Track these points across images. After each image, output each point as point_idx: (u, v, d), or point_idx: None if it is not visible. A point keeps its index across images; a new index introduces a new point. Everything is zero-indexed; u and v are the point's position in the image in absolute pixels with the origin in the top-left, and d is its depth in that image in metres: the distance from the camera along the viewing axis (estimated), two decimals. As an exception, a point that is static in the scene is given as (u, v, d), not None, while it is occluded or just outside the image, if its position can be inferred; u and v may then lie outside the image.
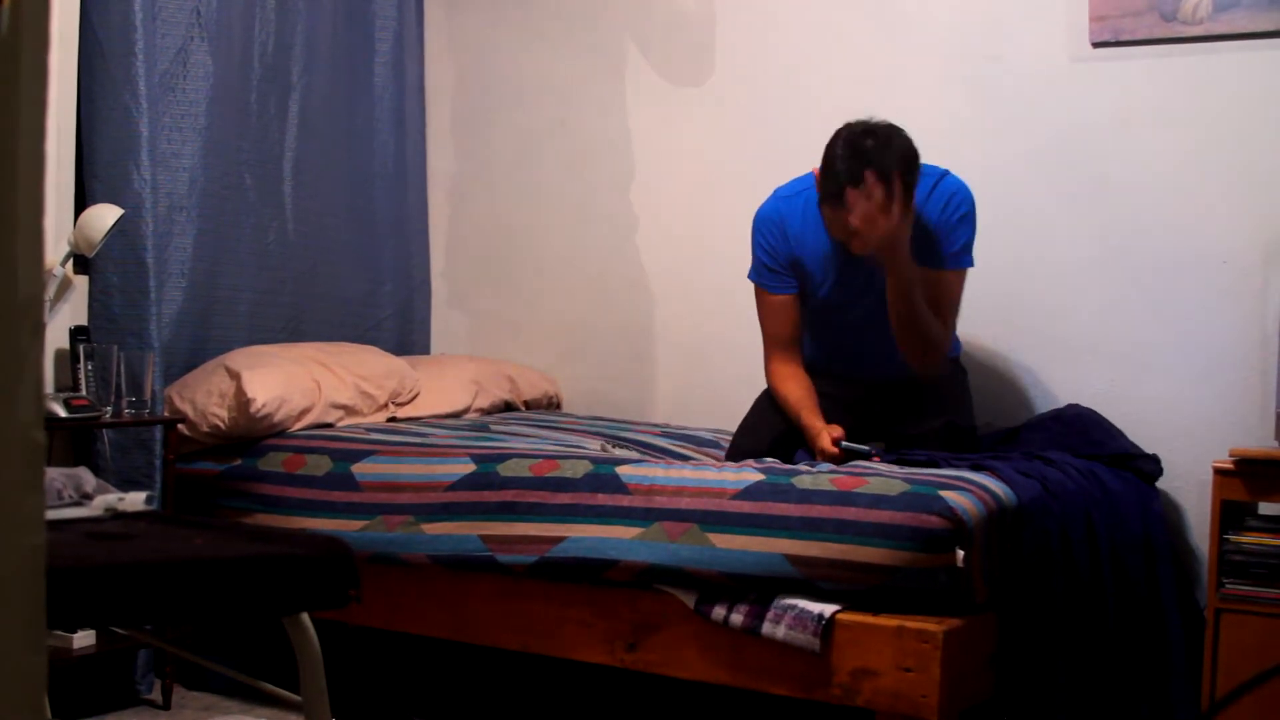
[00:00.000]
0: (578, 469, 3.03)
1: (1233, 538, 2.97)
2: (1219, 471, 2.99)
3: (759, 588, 2.69)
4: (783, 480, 2.80)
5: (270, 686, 2.40)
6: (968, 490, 2.69)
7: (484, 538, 3.02)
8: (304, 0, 4.21)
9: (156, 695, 3.43)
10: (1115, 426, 3.43)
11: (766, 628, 2.65)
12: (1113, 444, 3.35)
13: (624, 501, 2.88)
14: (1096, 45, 3.61)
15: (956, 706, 2.58)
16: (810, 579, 2.64)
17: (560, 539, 2.91)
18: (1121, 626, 3.00)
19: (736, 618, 2.69)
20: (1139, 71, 3.58)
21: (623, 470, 2.97)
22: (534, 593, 2.98)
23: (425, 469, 3.23)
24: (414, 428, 3.77)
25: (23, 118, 0.78)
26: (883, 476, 2.75)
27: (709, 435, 3.85)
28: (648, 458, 3.27)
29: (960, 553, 2.56)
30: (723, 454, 3.55)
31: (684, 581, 2.78)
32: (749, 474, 2.87)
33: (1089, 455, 3.24)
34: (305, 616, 1.98)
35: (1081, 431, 3.36)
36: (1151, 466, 3.35)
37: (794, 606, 2.64)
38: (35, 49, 0.79)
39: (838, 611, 2.61)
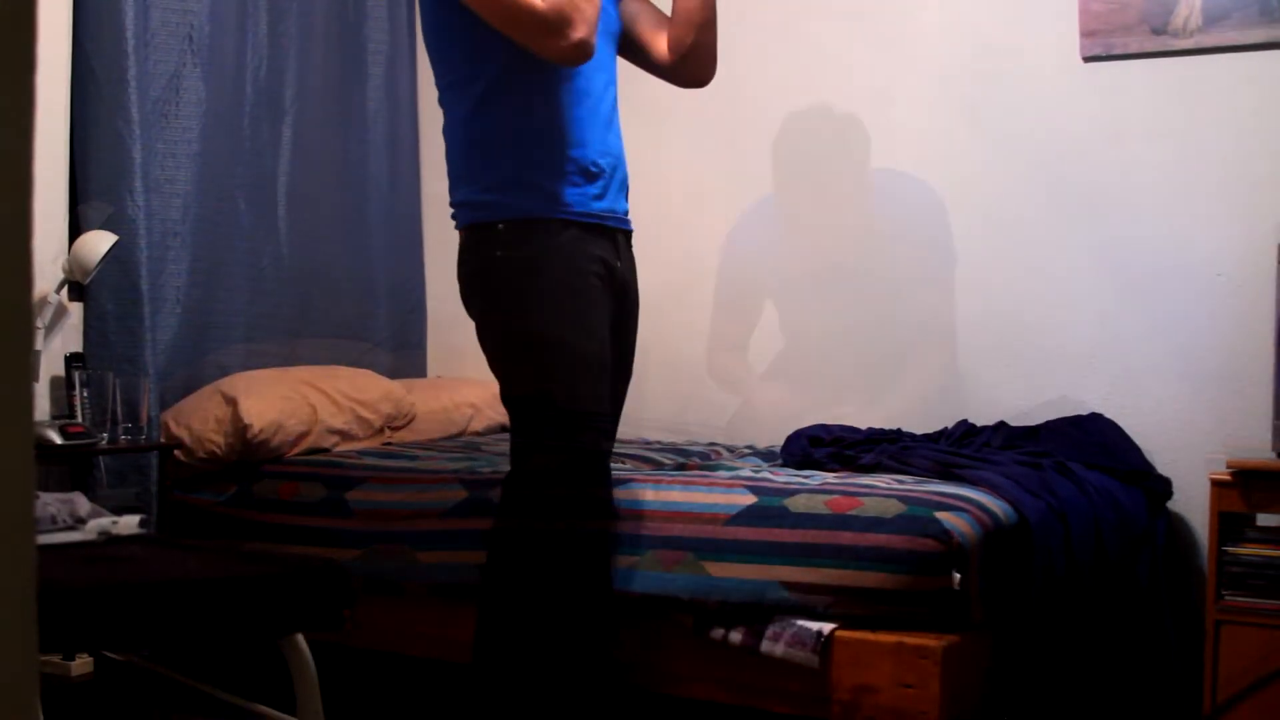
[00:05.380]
0: None
1: (1231, 549, 2.96)
2: (1216, 483, 2.99)
3: (756, 612, 2.69)
4: (775, 502, 2.79)
5: (268, 710, 2.39)
6: (964, 511, 2.68)
7: (480, 567, 3.01)
8: (296, 25, 4.21)
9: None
10: (1134, 442, 3.43)
11: (765, 645, 2.64)
12: (1131, 460, 3.35)
13: (614, 528, 2.86)
14: (1088, 59, 3.63)
15: None
16: (807, 605, 2.64)
17: None
18: (1124, 640, 2.99)
19: (735, 636, 2.68)
20: (1131, 84, 3.59)
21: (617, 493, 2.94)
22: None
23: (419, 496, 3.22)
24: (407, 450, 3.76)
25: (6, 138, 0.78)
26: (878, 497, 2.74)
27: (699, 449, 3.83)
28: (636, 475, 3.23)
29: (957, 576, 2.56)
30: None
31: (681, 607, 2.77)
32: (740, 496, 2.85)
33: (1105, 468, 3.24)
34: (300, 638, 1.98)
35: (1101, 443, 3.36)
36: (1163, 487, 3.36)
37: (792, 624, 2.64)
38: (18, 70, 0.79)
39: (836, 628, 2.60)
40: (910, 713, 2.52)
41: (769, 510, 2.77)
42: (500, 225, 2.46)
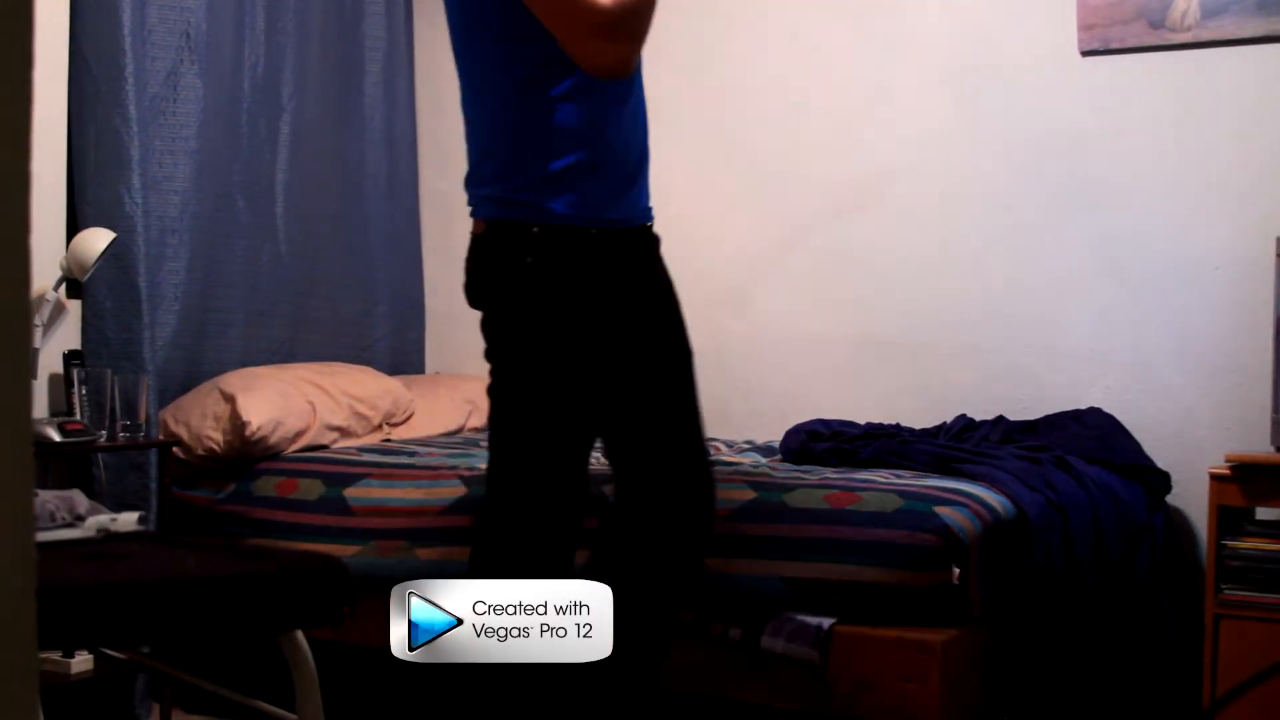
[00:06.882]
0: None
1: (1230, 543, 2.97)
2: (1216, 477, 2.99)
3: (756, 607, 2.69)
4: (774, 497, 2.79)
5: (267, 706, 2.39)
6: (963, 505, 2.68)
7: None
8: (293, 21, 4.21)
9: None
10: (1132, 436, 3.43)
11: (766, 640, 2.64)
12: (1130, 454, 3.35)
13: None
14: (1086, 54, 3.62)
15: (956, 717, 2.57)
16: (806, 599, 2.64)
17: None
18: (1123, 635, 2.99)
19: (735, 631, 2.69)
20: (1129, 79, 3.59)
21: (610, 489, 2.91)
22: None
23: (417, 493, 3.22)
24: (406, 447, 3.76)
25: (4, 136, 0.78)
26: (877, 492, 2.74)
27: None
28: None
29: (956, 570, 2.56)
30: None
31: (681, 606, 2.76)
32: (739, 491, 2.85)
33: (1104, 461, 3.24)
34: (300, 634, 1.98)
35: (1100, 437, 3.36)
36: (1162, 482, 3.36)
37: (792, 619, 2.64)
38: (16, 67, 0.79)
39: (836, 623, 2.61)
40: (910, 708, 2.52)
41: (768, 505, 2.77)
42: (535, 229, 2.24)
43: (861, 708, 2.58)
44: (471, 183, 2.34)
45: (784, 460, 3.41)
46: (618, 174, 2.32)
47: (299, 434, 3.65)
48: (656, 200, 4.27)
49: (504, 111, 2.26)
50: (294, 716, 2.04)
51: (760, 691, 2.70)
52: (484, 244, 2.33)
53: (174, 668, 3.19)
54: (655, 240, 2.47)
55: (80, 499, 2.49)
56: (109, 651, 2.90)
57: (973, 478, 2.93)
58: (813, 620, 2.62)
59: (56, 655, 3.12)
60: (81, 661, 3.18)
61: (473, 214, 2.36)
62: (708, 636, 2.72)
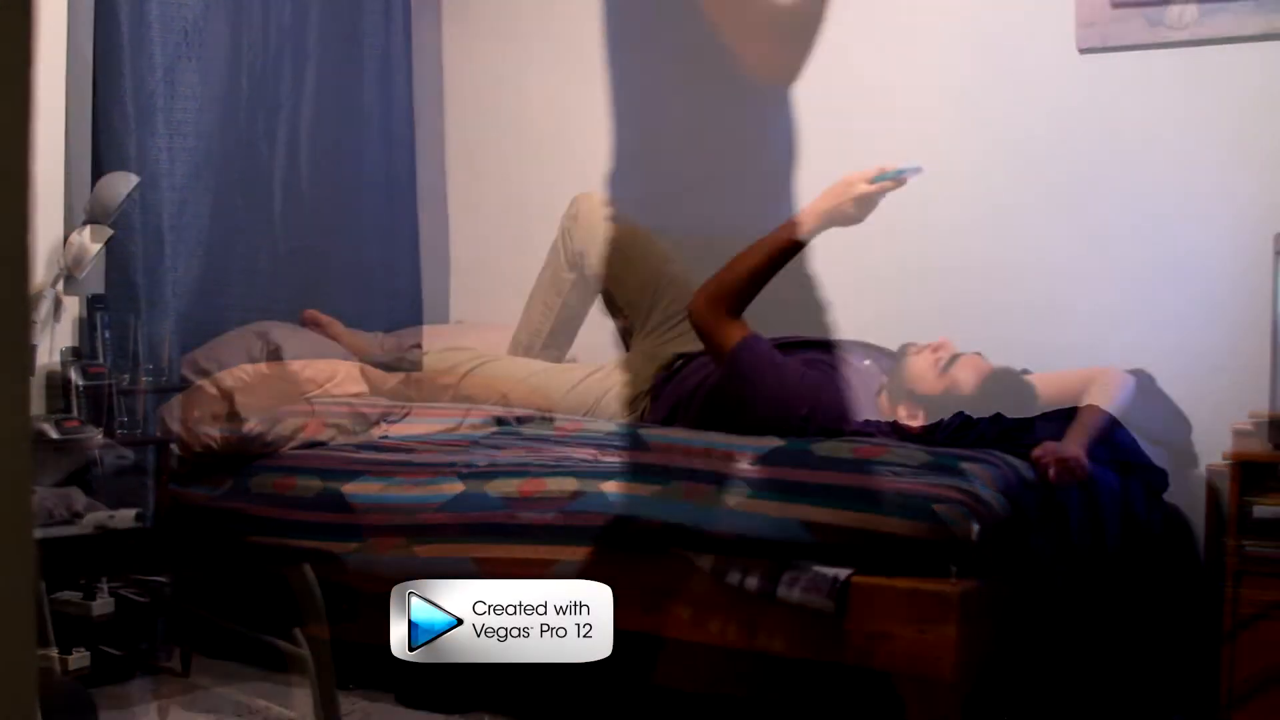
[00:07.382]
0: (564, 485, 3.01)
1: (1228, 541, 2.97)
2: (1214, 475, 2.99)
3: (775, 552, 2.69)
4: (801, 446, 2.82)
5: (284, 643, 2.35)
6: (960, 503, 2.68)
7: (476, 559, 3.01)
8: (291, 19, 4.21)
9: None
10: (1130, 433, 3.43)
11: (782, 590, 2.64)
12: (1127, 452, 3.35)
13: (643, 459, 2.87)
14: (1084, 51, 3.62)
15: (973, 668, 2.57)
16: (826, 544, 2.64)
17: (579, 493, 2.91)
18: (1122, 633, 3.00)
19: (752, 581, 2.68)
20: (1127, 76, 3.59)
21: (645, 429, 2.95)
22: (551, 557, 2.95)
23: (415, 490, 3.22)
24: (404, 444, 3.76)
25: (3, 135, 0.78)
26: (905, 448, 2.77)
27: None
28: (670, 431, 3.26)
29: (954, 569, 2.56)
30: None
31: (700, 544, 2.77)
32: (769, 440, 2.88)
33: (1102, 460, 3.24)
34: (300, 634, 1.98)
35: (1098, 435, 3.36)
36: (1159, 479, 3.36)
37: (809, 569, 2.64)
38: (17, 64, 0.79)
39: (852, 574, 2.61)
40: (927, 658, 2.52)
41: (794, 453, 2.83)
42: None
43: (878, 658, 2.57)
44: (616, 183, 2.27)
45: None
46: (764, 180, 2.29)
47: (296, 431, 3.65)
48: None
49: (656, 111, 2.15)
50: (294, 715, 2.04)
51: (776, 642, 2.69)
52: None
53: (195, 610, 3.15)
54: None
55: (78, 496, 2.48)
56: (128, 594, 2.85)
57: (970, 475, 2.93)
58: (829, 570, 2.62)
59: (54, 653, 3.11)
60: (103, 604, 3.14)
61: (613, 218, 2.30)
62: (725, 586, 2.72)
